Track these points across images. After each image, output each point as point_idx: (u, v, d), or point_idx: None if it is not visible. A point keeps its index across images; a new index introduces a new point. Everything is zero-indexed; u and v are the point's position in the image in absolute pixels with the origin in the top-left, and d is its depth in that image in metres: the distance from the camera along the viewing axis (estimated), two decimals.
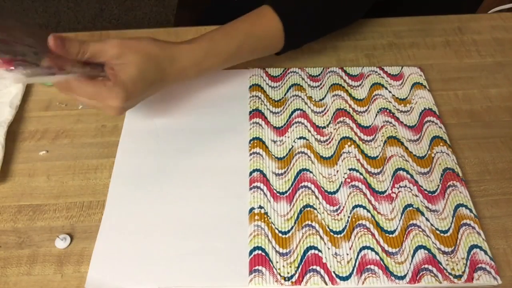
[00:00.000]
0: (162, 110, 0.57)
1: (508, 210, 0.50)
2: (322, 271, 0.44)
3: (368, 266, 0.44)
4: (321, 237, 0.46)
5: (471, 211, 0.48)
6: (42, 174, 0.52)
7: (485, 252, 0.45)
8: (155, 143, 0.54)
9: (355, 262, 0.44)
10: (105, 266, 0.44)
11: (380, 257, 0.44)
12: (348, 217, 0.47)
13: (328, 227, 0.46)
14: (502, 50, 0.66)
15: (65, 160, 0.53)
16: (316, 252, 0.45)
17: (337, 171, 0.51)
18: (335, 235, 0.46)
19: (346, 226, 0.47)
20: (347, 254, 0.45)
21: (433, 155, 0.52)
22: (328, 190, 0.49)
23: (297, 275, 0.44)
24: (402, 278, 0.43)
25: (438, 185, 0.50)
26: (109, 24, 1.58)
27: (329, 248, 0.45)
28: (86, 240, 0.47)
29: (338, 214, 0.47)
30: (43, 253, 0.46)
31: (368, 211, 0.48)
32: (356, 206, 0.48)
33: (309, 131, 0.55)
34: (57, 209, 0.49)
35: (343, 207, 0.48)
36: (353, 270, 0.44)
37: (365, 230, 0.46)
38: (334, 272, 0.44)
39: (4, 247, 0.47)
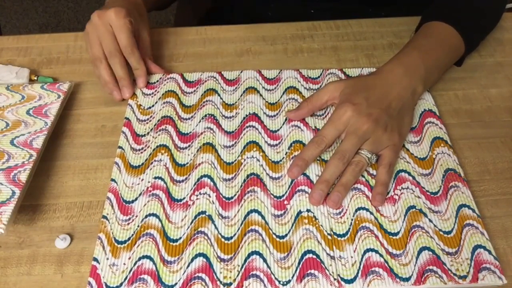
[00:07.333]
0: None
1: (508, 210, 0.50)
2: (320, 276, 0.43)
3: (373, 269, 0.44)
4: (318, 241, 0.45)
5: (474, 211, 0.48)
6: (42, 174, 0.52)
7: (489, 252, 0.45)
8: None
9: (360, 264, 0.44)
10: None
11: (384, 259, 0.44)
12: (352, 219, 0.47)
13: (332, 230, 0.46)
14: (502, 50, 0.66)
15: (65, 160, 0.53)
16: (314, 256, 0.44)
17: None
18: (339, 238, 0.46)
19: (349, 229, 0.46)
20: (352, 257, 0.44)
21: (434, 156, 0.52)
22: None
23: (294, 278, 0.43)
24: (407, 279, 0.43)
25: (440, 186, 0.50)
26: None
27: (329, 252, 0.45)
28: (86, 240, 0.47)
29: (341, 217, 0.47)
30: (43, 253, 0.46)
31: (371, 213, 0.48)
32: (359, 209, 0.48)
33: (307, 135, 0.54)
34: (57, 209, 0.49)
35: (346, 210, 0.48)
36: (358, 272, 0.43)
37: (369, 232, 0.46)
38: (339, 275, 0.43)
39: (4, 247, 0.47)
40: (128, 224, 0.47)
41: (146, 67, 0.61)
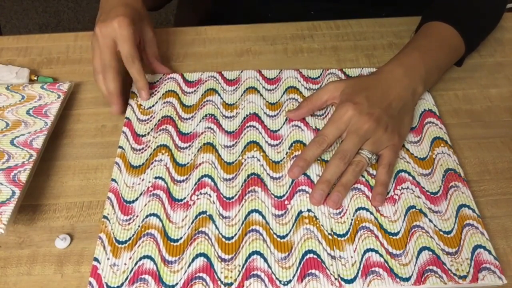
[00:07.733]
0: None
1: (508, 210, 0.50)
2: (321, 275, 0.43)
3: (373, 269, 0.44)
4: (319, 241, 0.45)
5: (474, 211, 0.48)
6: (42, 174, 0.52)
7: (489, 252, 0.45)
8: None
9: (360, 264, 0.44)
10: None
11: (384, 259, 0.44)
12: (352, 219, 0.47)
13: (332, 230, 0.46)
14: (502, 50, 0.67)
15: (65, 160, 0.53)
16: (315, 256, 0.45)
17: None
18: (339, 238, 0.46)
19: (349, 229, 0.46)
20: (352, 257, 0.44)
21: (434, 156, 0.52)
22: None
23: (295, 278, 0.43)
24: (407, 279, 0.43)
25: (440, 186, 0.50)
26: None
27: (330, 252, 0.45)
28: (86, 240, 0.47)
29: (341, 217, 0.47)
30: (43, 253, 0.46)
31: (371, 213, 0.48)
32: (359, 209, 0.48)
33: (307, 134, 0.54)
34: (57, 209, 0.49)
35: (346, 210, 0.48)
36: (358, 272, 0.43)
37: (369, 232, 0.46)
38: (339, 275, 0.43)
39: (4, 247, 0.47)
40: (129, 224, 0.47)
41: (153, 67, 0.61)
